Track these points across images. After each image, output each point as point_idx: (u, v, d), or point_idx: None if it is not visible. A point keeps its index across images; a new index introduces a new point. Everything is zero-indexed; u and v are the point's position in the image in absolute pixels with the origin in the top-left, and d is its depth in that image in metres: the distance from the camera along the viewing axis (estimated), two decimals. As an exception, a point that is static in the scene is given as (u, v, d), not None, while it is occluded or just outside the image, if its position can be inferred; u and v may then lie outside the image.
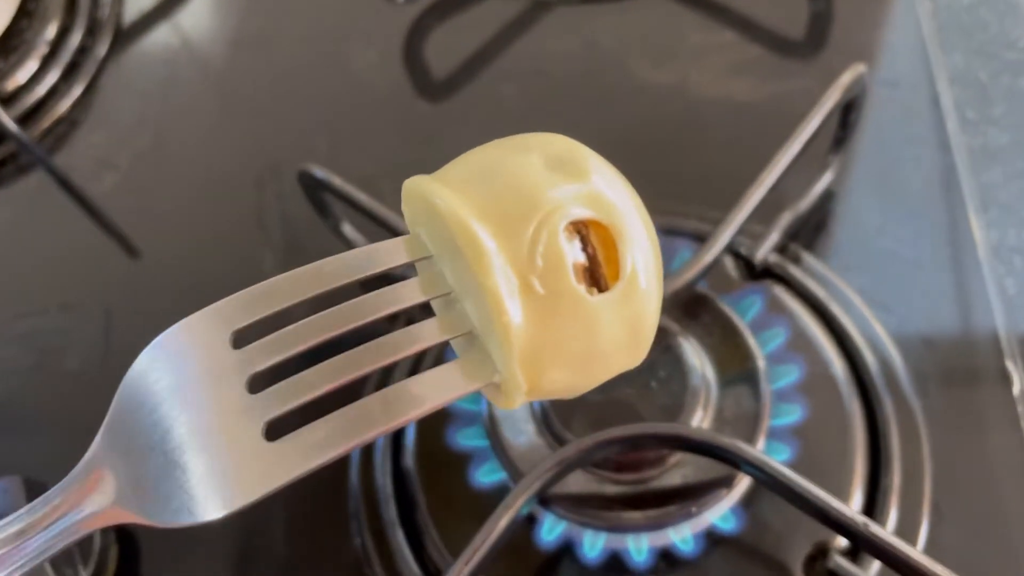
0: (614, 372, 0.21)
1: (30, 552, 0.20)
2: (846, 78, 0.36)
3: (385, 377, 0.35)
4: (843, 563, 0.32)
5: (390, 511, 0.36)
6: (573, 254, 0.19)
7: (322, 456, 0.19)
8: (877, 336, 0.37)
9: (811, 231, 0.41)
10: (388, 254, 0.21)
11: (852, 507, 0.33)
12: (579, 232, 0.19)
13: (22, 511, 0.20)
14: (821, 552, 0.32)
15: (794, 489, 0.28)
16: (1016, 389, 0.37)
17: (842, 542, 0.33)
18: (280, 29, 0.53)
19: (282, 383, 0.20)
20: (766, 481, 0.29)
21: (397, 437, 0.38)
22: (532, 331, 0.19)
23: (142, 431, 0.20)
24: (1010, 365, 0.37)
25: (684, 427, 0.31)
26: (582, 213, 0.19)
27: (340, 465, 0.38)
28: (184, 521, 0.19)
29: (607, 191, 0.19)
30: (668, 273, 0.34)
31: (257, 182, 0.47)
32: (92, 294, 0.45)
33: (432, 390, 0.20)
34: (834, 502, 0.28)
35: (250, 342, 0.20)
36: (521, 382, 0.19)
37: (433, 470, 0.36)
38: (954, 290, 0.39)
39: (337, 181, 0.37)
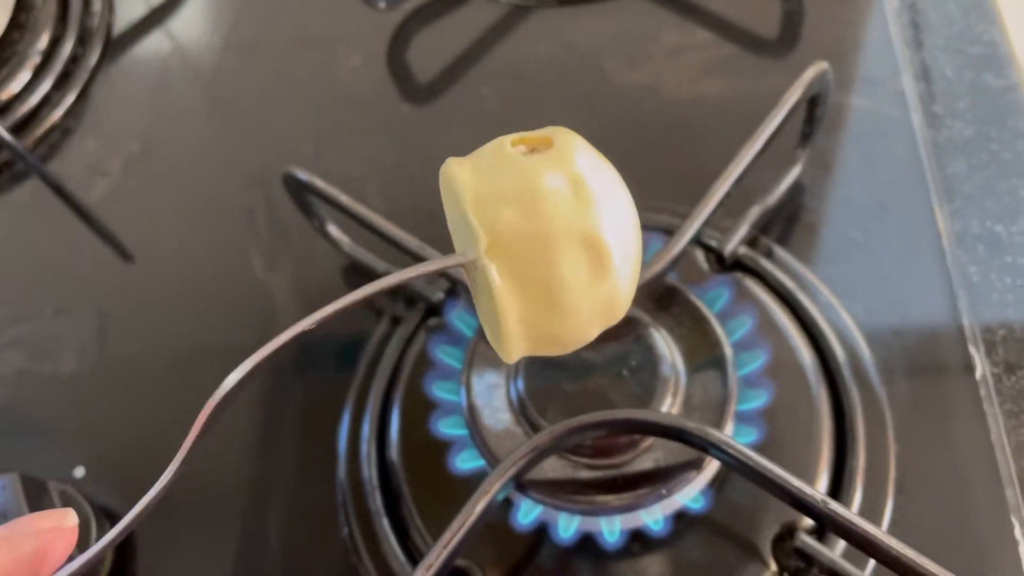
0: (573, 231, 0.22)
1: None
2: (808, 75, 0.37)
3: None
4: (809, 541, 0.33)
5: (376, 501, 0.37)
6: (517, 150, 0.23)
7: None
8: (844, 324, 0.39)
9: (781, 225, 0.42)
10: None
11: (819, 488, 0.35)
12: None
13: None
14: (788, 532, 0.34)
15: (757, 470, 0.30)
16: (979, 374, 0.38)
17: (808, 522, 0.34)
18: (267, 36, 0.54)
19: None
20: (731, 463, 0.30)
21: (382, 428, 0.39)
22: (479, 186, 0.22)
23: None
24: (973, 351, 0.38)
25: (653, 413, 0.32)
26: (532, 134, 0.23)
27: (328, 458, 0.39)
28: None
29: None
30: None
31: (246, 186, 0.48)
32: (86, 298, 0.47)
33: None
34: (795, 481, 0.29)
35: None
36: (477, 226, 0.22)
37: (417, 461, 0.38)
38: (920, 279, 0.40)
39: (319, 183, 0.38)
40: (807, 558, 0.33)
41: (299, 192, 0.40)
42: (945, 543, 0.35)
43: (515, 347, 0.23)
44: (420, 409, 0.37)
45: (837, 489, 0.35)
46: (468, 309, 0.37)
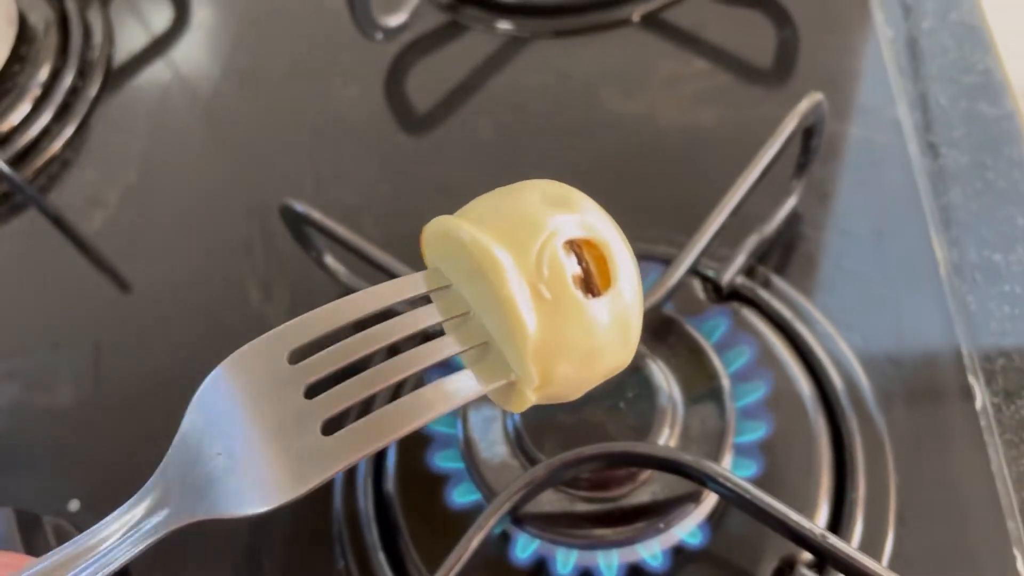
0: (609, 368, 0.24)
1: (101, 560, 0.22)
2: (803, 105, 0.37)
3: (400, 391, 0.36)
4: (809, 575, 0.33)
5: (372, 534, 0.37)
6: (571, 267, 0.23)
7: (372, 445, 0.22)
8: (843, 354, 0.39)
9: (778, 254, 0.42)
10: (411, 284, 0.24)
11: (819, 520, 0.34)
12: (575, 250, 0.23)
13: (93, 530, 0.22)
14: (788, 566, 0.33)
15: (755, 503, 0.29)
16: (978, 404, 0.38)
17: (808, 556, 0.34)
18: (265, 67, 0.54)
19: (334, 388, 0.23)
20: (729, 496, 0.30)
21: (379, 462, 0.39)
22: (542, 330, 0.22)
23: (210, 441, 0.23)
24: (972, 380, 0.38)
25: (651, 445, 0.32)
26: (577, 233, 0.23)
27: (324, 490, 0.39)
28: (256, 510, 0.22)
29: (595, 219, 0.23)
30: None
31: (243, 216, 0.48)
32: (82, 329, 0.46)
33: (458, 389, 0.23)
34: (793, 515, 0.29)
35: (304, 359, 0.23)
36: (534, 375, 0.22)
37: (413, 494, 0.37)
38: (917, 308, 0.40)
39: (316, 215, 0.38)
40: (807, 592, 0.33)
41: (296, 224, 0.40)
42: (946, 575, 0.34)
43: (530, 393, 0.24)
44: (417, 441, 0.37)
45: (837, 521, 0.34)
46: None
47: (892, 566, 0.28)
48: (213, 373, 0.23)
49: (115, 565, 0.22)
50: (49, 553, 0.23)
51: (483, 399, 0.35)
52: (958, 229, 0.42)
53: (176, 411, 0.44)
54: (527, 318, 0.22)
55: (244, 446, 0.22)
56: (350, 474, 0.39)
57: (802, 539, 0.29)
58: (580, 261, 0.23)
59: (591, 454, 0.31)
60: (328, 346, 0.23)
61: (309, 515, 0.39)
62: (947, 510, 0.36)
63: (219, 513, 0.22)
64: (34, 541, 0.37)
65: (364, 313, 0.23)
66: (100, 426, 0.44)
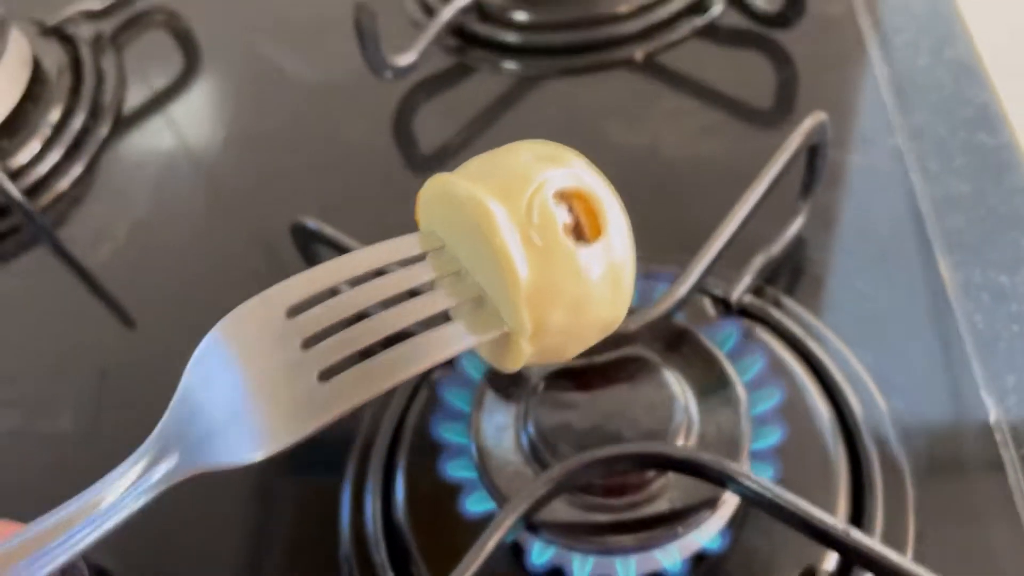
0: (602, 321, 0.24)
1: (103, 514, 0.23)
2: (807, 124, 0.38)
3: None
4: (831, 584, 0.32)
5: (381, 554, 0.36)
6: (562, 216, 0.23)
7: (367, 391, 0.22)
8: (854, 371, 0.38)
9: (787, 277, 0.42)
10: (406, 245, 0.25)
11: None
12: (565, 201, 0.23)
13: (96, 485, 0.23)
14: (810, 575, 0.33)
15: (776, 501, 0.29)
16: (992, 417, 0.37)
17: (830, 565, 0.33)
18: (275, 102, 0.55)
19: (331, 339, 0.23)
20: (749, 495, 0.30)
21: (387, 482, 0.38)
22: (533, 275, 0.22)
23: (208, 396, 0.23)
24: (984, 395, 0.38)
25: (667, 446, 0.31)
26: (568, 183, 0.23)
27: (330, 511, 0.38)
28: (256, 456, 0.22)
29: (585, 172, 0.24)
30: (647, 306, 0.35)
31: (249, 251, 0.49)
32: (85, 360, 0.46)
33: (451, 339, 0.23)
34: (816, 511, 0.28)
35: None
36: (527, 321, 0.23)
37: (423, 513, 0.37)
38: (926, 327, 0.40)
39: (329, 230, 0.39)
40: (830, 602, 0.32)
41: (306, 242, 0.40)
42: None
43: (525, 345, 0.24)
44: (425, 459, 0.36)
45: (858, 520, 0.34)
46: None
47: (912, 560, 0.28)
48: (211, 333, 0.23)
49: (115, 520, 0.22)
50: (50, 512, 0.22)
51: (494, 405, 0.35)
52: (963, 252, 0.42)
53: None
54: (519, 263, 0.22)
55: (242, 398, 0.22)
56: (357, 495, 0.38)
57: (825, 536, 0.28)
58: (570, 211, 0.23)
59: (608, 455, 0.31)
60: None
61: (315, 536, 0.38)
62: (966, 522, 0.35)
63: (220, 462, 0.22)
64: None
65: (359, 271, 0.24)
66: (100, 455, 0.43)
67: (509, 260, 0.22)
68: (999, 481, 0.36)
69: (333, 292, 0.24)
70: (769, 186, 0.37)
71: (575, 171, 0.23)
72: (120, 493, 0.23)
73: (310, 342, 0.23)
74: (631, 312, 0.33)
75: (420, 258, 0.24)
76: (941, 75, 0.49)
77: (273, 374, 0.22)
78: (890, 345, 0.40)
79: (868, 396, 0.38)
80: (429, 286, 0.24)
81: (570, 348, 0.25)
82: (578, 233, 0.23)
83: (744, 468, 0.30)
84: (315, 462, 0.40)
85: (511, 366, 0.24)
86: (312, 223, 0.39)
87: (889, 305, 0.41)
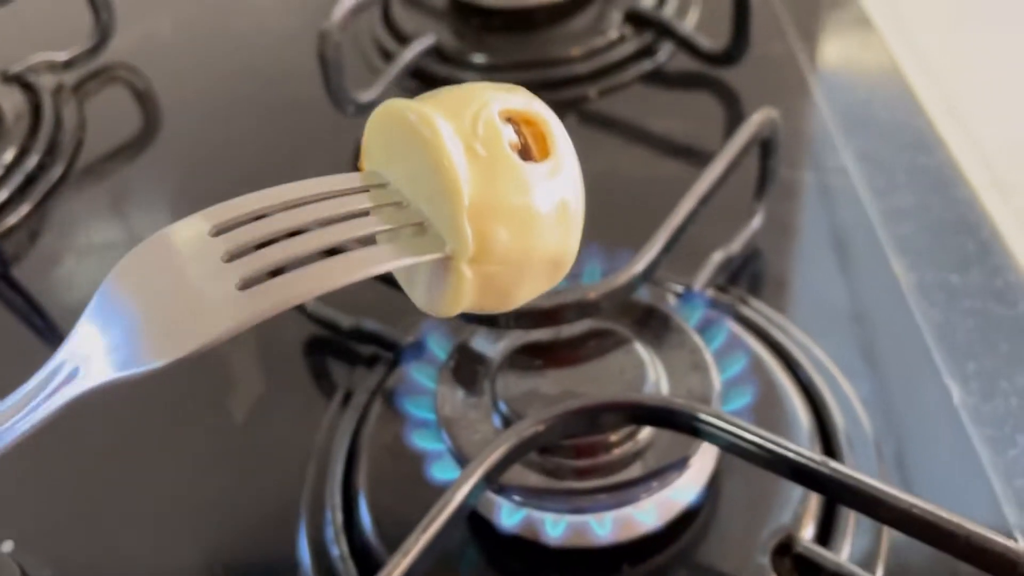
0: (550, 255, 0.22)
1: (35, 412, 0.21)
2: (757, 117, 0.39)
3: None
4: (811, 547, 0.31)
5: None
6: (508, 134, 0.22)
7: (285, 299, 0.21)
8: (817, 357, 0.39)
9: (747, 280, 0.43)
10: (347, 180, 0.23)
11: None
12: (513, 124, 0.22)
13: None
14: (788, 543, 0.32)
15: (751, 439, 0.28)
16: (956, 399, 0.38)
17: (809, 531, 0.32)
18: (242, 139, 0.56)
19: (255, 252, 0.21)
20: (723, 440, 0.29)
21: (348, 514, 0.36)
22: (476, 188, 0.21)
23: (121, 308, 0.21)
24: (948, 382, 0.38)
25: (639, 394, 0.31)
26: (515, 104, 0.22)
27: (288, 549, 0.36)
28: (167, 359, 0.20)
29: (535, 101, 0.23)
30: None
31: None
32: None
33: (389, 254, 0.22)
34: (791, 445, 0.28)
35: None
36: (469, 238, 0.21)
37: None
38: (886, 321, 0.41)
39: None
40: (810, 565, 0.31)
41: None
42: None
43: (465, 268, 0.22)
44: (389, 482, 0.35)
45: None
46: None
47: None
48: (132, 250, 0.22)
49: (20, 432, 0.21)
50: None
51: (461, 383, 0.34)
52: (914, 255, 0.44)
53: (122, 452, 0.41)
54: (460, 169, 0.21)
55: (158, 305, 0.21)
56: (316, 530, 0.36)
57: (803, 471, 0.28)
58: (518, 133, 0.22)
59: (580, 406, 0.30)
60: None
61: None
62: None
63: (132, 369, 0.20)
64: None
65: (293, 197, 0.22)
66: (37, 468, 0.41)
67: (450, 166, 0.21)
68: (970, 457, 0.36)
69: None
70: (726, 168, 0.38)
71: (525, 97, 0.23)
72: (26, 408, 0.21)
73: (233, 257, 0.21)
74: (593, 284, 0.33)
75: (361, 191, 0.23)
76: (878, 109, 0.52)
77: (191, 282, 0.21)
78: (851, 337, 0.40)
79: (832, 379, 0.38)
80: (366, 213, 0.22)
81: (517, 289, 0.23)
82: (525, 155, 0.22)
83: (717, 409, 0.29)
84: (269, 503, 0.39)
85: (451, 304, 0.22)
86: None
87: (847, 303, 0.42)
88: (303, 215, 0.22)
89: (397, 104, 0.23)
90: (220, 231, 0.22)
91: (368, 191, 0.23)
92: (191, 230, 0.22)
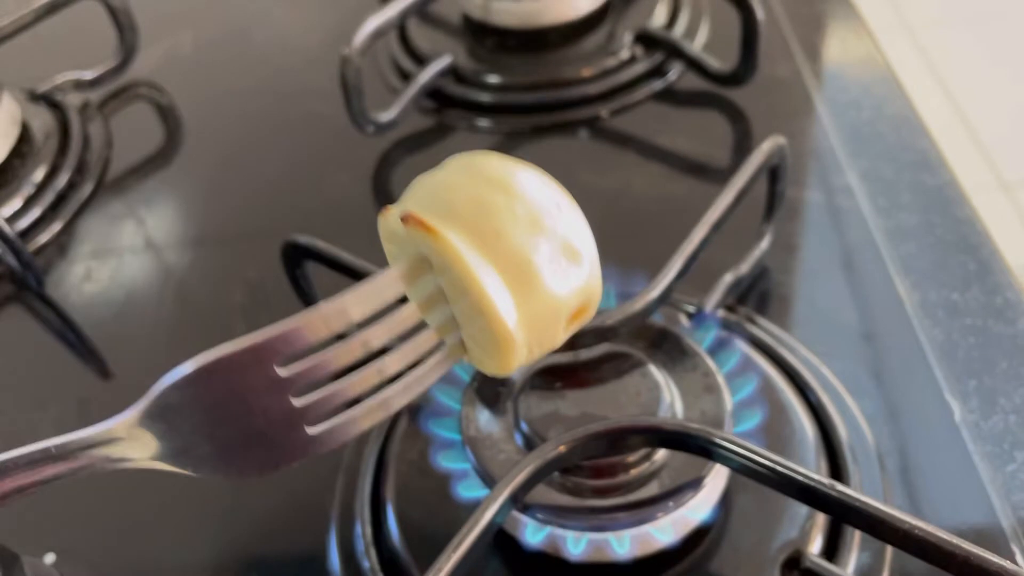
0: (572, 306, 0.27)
1: (51, 474, 0.25)
2: (767, 145, 0.41)
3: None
4: (819, 562, 0.33)
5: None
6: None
7: (354, 434, 0.25)
8: (824, 376, 0.40)
9: (755, 299, 0.45)
10: (390, 285, 0.26)
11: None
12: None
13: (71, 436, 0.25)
14: (796, 558, 0.33)
15: (763, 462, 0.30)
16: (957, 417, 0.39)
17: (816, 546, 0.34)
18: (263, 154, 0.57)
19: (322, 389, 0.25)
20: (735, 462, 0.31)
21: (377, 522, 0.38)
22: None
23: (187, 422, 0.24)
24: (949, 398, 0.40)
25: (657, 418, 0.32)
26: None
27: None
28: (248, 477, 0.25)
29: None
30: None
31: (231, 291, 0.50)
32: (63, 392, 0.46)
33: (435, 369, 0.26)
34: (800, 469, 0.30)
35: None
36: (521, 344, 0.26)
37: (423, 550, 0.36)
38: (890, 340, 0.43)
39: (321, 244, 0.40)
40: (818, 580, 0.33)
41: (296, 262, 0.41)
42: None
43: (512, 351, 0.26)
44: (415, 497, 0.37)
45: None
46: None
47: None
48: (183, 369, 0.24)
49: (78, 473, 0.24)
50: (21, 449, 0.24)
51: (484, 404, 0.36)
52: (917, 275, 0.45)
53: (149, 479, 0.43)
54: (510, 323, 0.25)
55: (227, 437, 0.24)
56: (346, 542, 0.38)
57: (811, 493, 0.29)
58: None
59: (601, 429, 0.32)
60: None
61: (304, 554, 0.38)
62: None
63: (195, 472, 0.24)
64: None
65: (350, 322, 0.25)
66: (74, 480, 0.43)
67: (504, 329, 0.25)
68: (971, 473, 0.37)
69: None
70: (737, 195, 0.39)
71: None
72: (91, 459, 0.24)
73: (299, 392, 0.24)
74: (610, 311, 0.35)
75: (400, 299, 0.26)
76: (883, 127, 0.53)
77: (262, 423, 0.24)
78: (856, 355, 0.42)
79: (838, 396, 0.39)
80: (411, 328, 0.26)
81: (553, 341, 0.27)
82: None
83: (729, 434, 0.31)
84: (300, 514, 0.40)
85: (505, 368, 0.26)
86: (304, 239, 0.40)
87: (852, 322, 0.43)
88: (357, 349, 0.25)
89: (435, 236, 0.25)
90: (283, 361, 0.24)
91: (405, 297, 0.26)
92: (254, 359, 0.24)
